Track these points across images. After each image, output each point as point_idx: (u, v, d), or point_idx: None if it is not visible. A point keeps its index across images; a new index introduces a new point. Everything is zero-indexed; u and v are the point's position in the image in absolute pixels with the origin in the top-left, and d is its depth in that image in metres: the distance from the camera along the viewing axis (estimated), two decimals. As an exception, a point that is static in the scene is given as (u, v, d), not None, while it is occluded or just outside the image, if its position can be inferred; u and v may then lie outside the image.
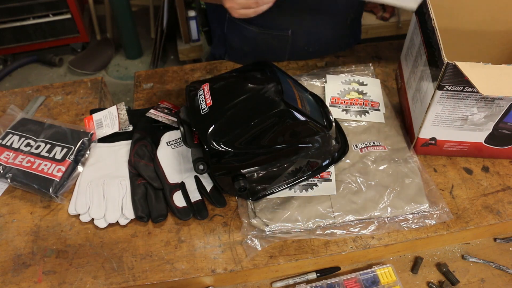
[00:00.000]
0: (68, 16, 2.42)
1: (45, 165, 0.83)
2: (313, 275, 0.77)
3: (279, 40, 1.03)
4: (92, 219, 0.78)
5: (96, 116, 0.93)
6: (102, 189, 0.81)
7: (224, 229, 0.77)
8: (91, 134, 0.88)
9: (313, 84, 1.00)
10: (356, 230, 0.76)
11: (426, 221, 0.77)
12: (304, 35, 1.03)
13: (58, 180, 0.81)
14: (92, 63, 2.54)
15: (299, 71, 1.08)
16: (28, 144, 0.86)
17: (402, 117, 0.95)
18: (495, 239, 0.83)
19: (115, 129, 0.90)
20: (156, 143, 0.86)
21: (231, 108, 0.73)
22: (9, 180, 0.82)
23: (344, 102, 0.96)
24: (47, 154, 0.84)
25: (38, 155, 0.84)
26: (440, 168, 0.87)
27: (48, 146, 0.86)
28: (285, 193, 0.80)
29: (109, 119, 0.91)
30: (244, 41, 1.05)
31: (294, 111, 0.72)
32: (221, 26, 1.07)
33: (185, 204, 0.78)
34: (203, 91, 0.77)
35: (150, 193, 0.80)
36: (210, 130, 0.71)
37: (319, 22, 1.01)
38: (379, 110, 0.95)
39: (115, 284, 0.71)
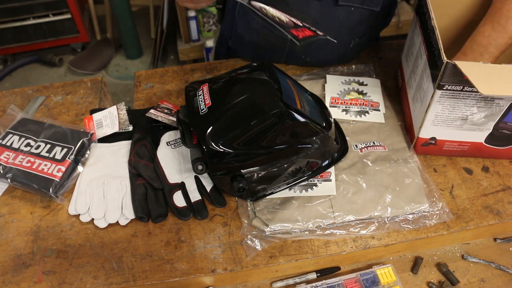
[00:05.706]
0: (68, 16, 2.42)
1: (45, 165, 0.83)
2: (313, 275, 0.77)
3: (278, 40, 1.02)
4: (92, 219, 0.78)
5: (96, 116, 0.93)
6: (102, 189, 0.81)
7: (224, 229, 0.77)
8: (91, 134, 0.88)
9: (313, 84, 1.00)
10: (356, 230, 0.76)
11: (426, 221, 0.77)
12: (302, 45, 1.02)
13: (58, 180, 0.81)
14: (92, 63, 2.54)
15: (299, 71, 1.08)
16: (28, 144, 0.86)
17: (402, 117, 0.95)
18: (495, 239, 0.83)
19: (115, 129, 0.90)
20: (156, 143, 0.86)
21: (230, 109, 0.73)
22: (9, 180, 0.82)
23: (344, 102, 0.96)
24: (47, 154, 0.84)
25: (38, 155, 0.84)
26: (440, 168, 0.87)
27: (48, 146, 0.86)
28: (285, 193, 0.80)
29: (109, 119, 0.91)
30: (248, 29, 1.05)
31: (293, 112, 0.72)
32: (234, 9, 1.08)
33: (185, 204, 0.78)
34: (202, 92, 0.77)
35: (150, 193, 0.80)
36: (209, 131, 0.71)
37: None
38: (379, 110, 0.95)
39: (115, 284, 0.71)
